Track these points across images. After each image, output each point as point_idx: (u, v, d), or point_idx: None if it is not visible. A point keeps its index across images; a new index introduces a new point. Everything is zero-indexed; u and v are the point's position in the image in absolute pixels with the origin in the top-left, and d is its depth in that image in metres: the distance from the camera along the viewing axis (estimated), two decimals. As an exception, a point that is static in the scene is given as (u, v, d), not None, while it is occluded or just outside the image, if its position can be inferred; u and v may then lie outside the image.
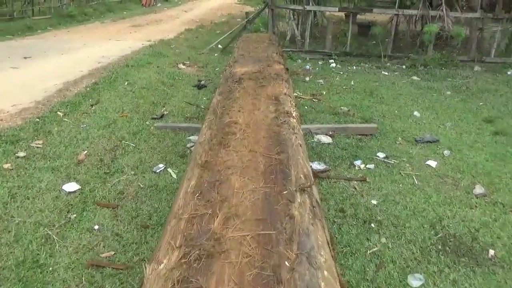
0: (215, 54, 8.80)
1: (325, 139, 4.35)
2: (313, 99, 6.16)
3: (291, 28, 10.23)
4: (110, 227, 2.73)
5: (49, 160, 3.49)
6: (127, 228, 2.73)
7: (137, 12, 17.77)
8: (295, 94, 6.43)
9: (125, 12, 17.70)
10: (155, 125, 4.54)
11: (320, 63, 8.70)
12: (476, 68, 8.56)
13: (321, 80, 7.27)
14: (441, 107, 6.07)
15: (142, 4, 21.06)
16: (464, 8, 9.52)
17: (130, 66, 6.88)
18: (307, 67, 8.04)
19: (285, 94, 3.28)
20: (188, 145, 4.08)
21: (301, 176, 1.93)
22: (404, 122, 5.31)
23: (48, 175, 3.28)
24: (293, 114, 2.85)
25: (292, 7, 8.98)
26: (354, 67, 8.48)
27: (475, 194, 3.47)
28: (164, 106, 5.25)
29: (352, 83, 7.18)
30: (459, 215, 3.20)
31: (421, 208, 3.26)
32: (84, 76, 6.04)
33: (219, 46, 9.51)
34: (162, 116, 4.84)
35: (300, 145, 2.34)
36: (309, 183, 1.83)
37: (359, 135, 4.62)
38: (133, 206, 2.96)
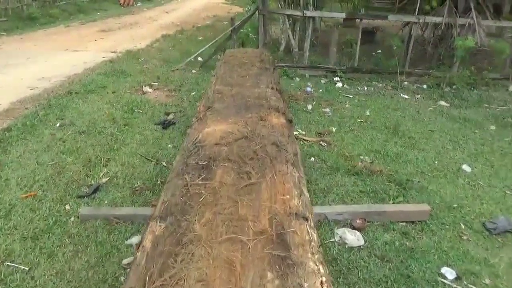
0: (193, 71, 7.08)
1: (352, 237, 2.69)
2: (321, 143, 4.52)
3: (286, 36, 8.58)
4: None
5: None
6: None
7: (112, 13, 15.91)
8: (296, 132, 4.79)
9: (98, 13, 15.84)
10: (80, 211, 2.83)
11: (323, 81, 7.06)
12: (512, 88, 7.03)
13: (327, 109, 5.63)
14: (493, 153, 4.48)
15: (120, 4, 19.19)
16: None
17: (73, 94, 5.14)
18: (308, 89, 6.39)
19: (296, 214, 1.61)
20: (125, 261, 2.39)
21: None
22: (455, 185, 3.70)
23: None
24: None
25: (289, 12, 7.31)
26: (365, 87, 6.86)
27: None
28: (105, 166, 3.53)
29: (368, 113, 5.55)
30: None
31: None
32: (-4, 116, 4.30)
33: (199, 58, 7.80)
34: (96, 189, 3.13)
35: None
36: None
37: (402, 222, 2.98)
38: None
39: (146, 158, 3.76)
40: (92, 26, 12.07)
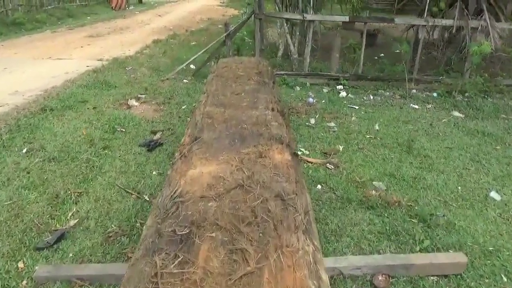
0: (184, 80, 6.54)
1: (377, 302, 2.14)
2: (327, 165, 3.98)
3: (284, 40, 8.05)
4: None
5: None
6: None
7: (103, 17, 15.37)
8: (298, 152, 4.26)
9: (88, 17, 15.29)
10: (36, 269, 2.28)
11: (325, 90, 6.54)
12: (528, 95, 6.52)
13: (332, 123, 5.10)
14: (521, 175, 3.96)
15: (112, 7, 18.65)
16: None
17: (48, 111, 4.58)
18: (310, 99, 5.86)
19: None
20: None
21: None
22: (485, 218, 3.18)
23: None
24: None
25: (288, 16, 6.78)
26: (371, 97, 6.34)
27: None
28: (76, 203, 2.98)
29: (377, 127, 5.03)
30: None
31: None
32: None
33: (192, 66, 7.26)
34: (61, 237, 2.57)
35: None
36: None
37: (432, 276, 2.45)
38: None
39: (125, 190, 3.21)
40: (80, 31, 11.52)
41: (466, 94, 6.44)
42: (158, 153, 3.97)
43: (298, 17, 6.39)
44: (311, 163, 4.06)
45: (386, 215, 3.09)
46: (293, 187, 1.82)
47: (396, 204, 3.28)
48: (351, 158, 4.18)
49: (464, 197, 3.51)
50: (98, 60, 7.47)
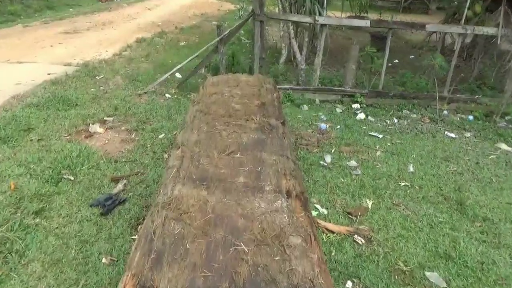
0: (166, 95, 5.31)
1: None
2: (355, 238, 2.82)
3: (287, 44, 6.86)
4: None
5: None
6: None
7: (87, 10, 13.98)
8: (314, 211, 3.09)
9: (71, 10, 13.90)
10: None
11: (339, 110, 5.36)
12: None
13: (352, 161, 3.94)
14: None
15: (98, -2, 17.21)
16: None
17: (-31, 149, 3.35)
18: (323, 125, 4.67)
19: None
20: None
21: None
22: None
23: None
24: None
25: (295, 18, 5.54)
26: (395, 120, 5.18)
27: None
28: None
29: (411, 168, 3.88)
30: None
31: None
32: None
33: (177, 74, 6.05)
34: None
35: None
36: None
37: None
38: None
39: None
40: (55, 26, 10.17)
41: (507, 118, 5.31)
42: (117, 218, 2.78)
43: (309, 20, 5.17)
44: (332, 232, 2.89)
45: None
46: None
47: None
48: (385, 222, 3.03)
49: None
50: (65, 65, 6.21)
